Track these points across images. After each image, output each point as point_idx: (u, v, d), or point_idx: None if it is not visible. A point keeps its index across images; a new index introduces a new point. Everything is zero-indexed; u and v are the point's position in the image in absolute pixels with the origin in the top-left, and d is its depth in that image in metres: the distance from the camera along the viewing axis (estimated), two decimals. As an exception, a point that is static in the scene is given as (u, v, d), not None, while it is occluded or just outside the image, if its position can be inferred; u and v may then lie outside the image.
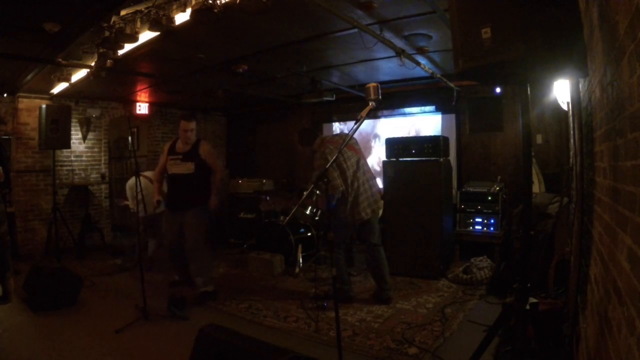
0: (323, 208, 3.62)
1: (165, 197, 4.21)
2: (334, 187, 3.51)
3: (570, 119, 3.02)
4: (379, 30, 3.54)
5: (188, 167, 3.97)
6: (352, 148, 3.80)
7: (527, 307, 1.66)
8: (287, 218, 2.68)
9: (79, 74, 4.62)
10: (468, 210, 5.09)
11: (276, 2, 2.51)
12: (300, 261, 4.90)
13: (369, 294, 3.95)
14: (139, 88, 6.10)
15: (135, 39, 3.10)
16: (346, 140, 2.68)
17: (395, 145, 4.83)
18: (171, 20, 2.83)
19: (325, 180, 2.36)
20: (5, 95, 5.64)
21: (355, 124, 2.38)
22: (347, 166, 3.65)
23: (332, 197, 3.53)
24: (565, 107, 3.48)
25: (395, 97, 6.16)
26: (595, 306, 1.59)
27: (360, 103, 2.64)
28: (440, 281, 4.36)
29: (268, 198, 6.18)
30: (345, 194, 3.61)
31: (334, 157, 2.52)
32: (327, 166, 2.49)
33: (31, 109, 5.79)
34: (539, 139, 5.24)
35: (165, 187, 4.36)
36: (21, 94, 5.73)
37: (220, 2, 2.59)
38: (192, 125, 3.99)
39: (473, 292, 3.95)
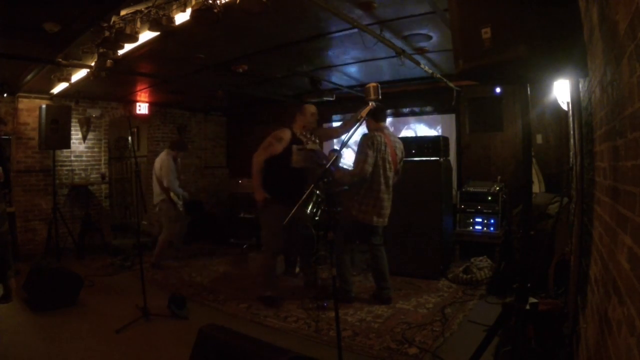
0: (341, 180, 3.53)
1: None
2: (363, 170, 3.43)
3: (570, 119, 3.02)
4: (379, 30, 3.54)
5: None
6: (394, 155, 3.70)
7: (527, 307, 1.66)
8: (287, 218, 2.67)
9: (79, 74, 4.62)
10: (468, 210, 5.09)
11: (276, 2, 2.51)
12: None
13: (369, 294, 3.95)
14: (139, 88, 6.10)
15: (135, 39, 3.10)
16: (345, 141, 2.68)
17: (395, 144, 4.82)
18: (171, 20, 2.83)
19: (326, 180, 2.36)
20: (5, 95, 5.64)
21: (356, 124, 2.39)
22: (383, 167, 3.57)
23: (352, 176, 3.48)
24: (565, 107, 3.48)
25: (395, 97, 6.16)
26: (595, 306, 1.59)
27: (360, 103, 2.64)
28: (440, 281, 4.36)
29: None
30: (365, 190, 3.56)
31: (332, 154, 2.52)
32: (327, 166, 2.49)
33: (31, 109, 5.79)
34: (539, 139, 5.24)
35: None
36: (21, 94, 5.73)
37: (220, 2, 2.59)
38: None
39: (473, 292, 3.95)
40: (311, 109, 3.79)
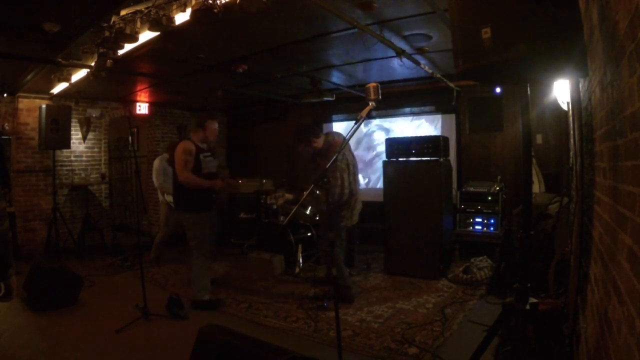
0: (319, 208, 3.63)
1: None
2: (342, 196, 3.58)
3: (570, 119, 3.02)
4: (379, 30, 3.54)
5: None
6: (354, 164, 3.84)
7: (527, 307, 1.66)
8: (287, 218, 2.67)
9: (79, 74, 4.61)
10: (468, 210, 5.09)
11: (276, 2, 2.51)
12: (300, 261, 4.90)
13: (368, 294, 3.95)
14: (139, 88, 6.10)
15: (135, 39, 3.10)
16: (345, 140, 2.68)
17: (395, 145, 4.83)
18: (171, 20, 2.83)
19: (326, 180, 2.36)
20: (5, 95, 5.64)
21: (355, 124, 2.38)
22: (355, 171, 3.72)
23: (340, 198, 3.57)
24: (565, 107, 3.48)
25: (395, 97, 6.16)
26: (595, 306, 1.59)
27: (360, 103, 2.65)
28: (440, 281, 4.36)
29: None
30: (349, 199, 3.68)
31: (334, 158, 2.52)
32: (328, 165, 2.49)
33: (31, 109, 5.79)
34: (539, 139, 5.24)
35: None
36: (21, 94, 5.73)
37: (220, 2, 2.59)
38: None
39: (473, 292, 3.95)
40: (215, 124, 3.93)
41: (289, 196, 3.99)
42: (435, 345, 2.86)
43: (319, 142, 3.75)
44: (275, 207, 3.89)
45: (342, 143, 3.68)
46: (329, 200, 3.31)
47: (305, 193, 2.64)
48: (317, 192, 4.55)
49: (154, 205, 7.17)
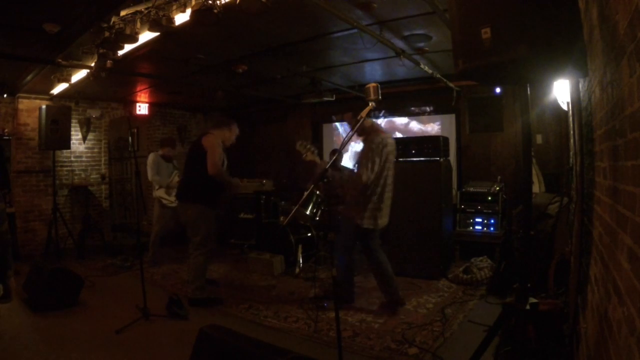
0: (340, 184, 3.52)
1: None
2: (368, 179, 3.35)
3: (570, 119, 3.02)
4: (378, 30, 3.54)
5: None
6: (391, 160, 3.62)
7: (527, 307, 1.66)
8: (287, 218, 2.67)
9: (79, 75, 4.62)
10: (468, 210, 5.09)
11: (276, 2, 2.51)
12: (301, 261, 4.90)
13: (369, 294, 3.94)
14: (139, 88, 6.10)
15: (135, 40, 3.10)
16: (347, 138, 2.67)
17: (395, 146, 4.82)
18: (171, 20, 2.84)
19: (326, 180, 2.36)
20: (5, 95, 5.65)
21: (356, 124, 2.39)
22: (387, 173, 3.51)
23: (367, 183, 3.38)
24: (565, 107, 3.48)
25: (395, 97, 6.16)
26: (595, 306, 1.59)
27: (360, 103, 2.65)
28: (440, 281, 4.36)
29: None
30: (367, 198, 3.47)
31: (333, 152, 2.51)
32: (327, 166, 2.49)
33: (31, 109, 5.80)
34: (539, 139, 5.24)
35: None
36: (21, 95, 5.73)
37: (220, 2, 2.59)
38: None
39: (473, 292, 3.95)
40: (237, 128, 4.16)
41: (317, 158, 3.76)
42: (435, 346, 2.86)
43: (367, 122, 3.56)
44: (303, 158, 3.67)
45: (379, 134, 3.51)
46: (325, 196, 3.24)
47: (306, 193, 2.64)
48: (317, 192, 4.56)
49: (154, 205, 7.17)
